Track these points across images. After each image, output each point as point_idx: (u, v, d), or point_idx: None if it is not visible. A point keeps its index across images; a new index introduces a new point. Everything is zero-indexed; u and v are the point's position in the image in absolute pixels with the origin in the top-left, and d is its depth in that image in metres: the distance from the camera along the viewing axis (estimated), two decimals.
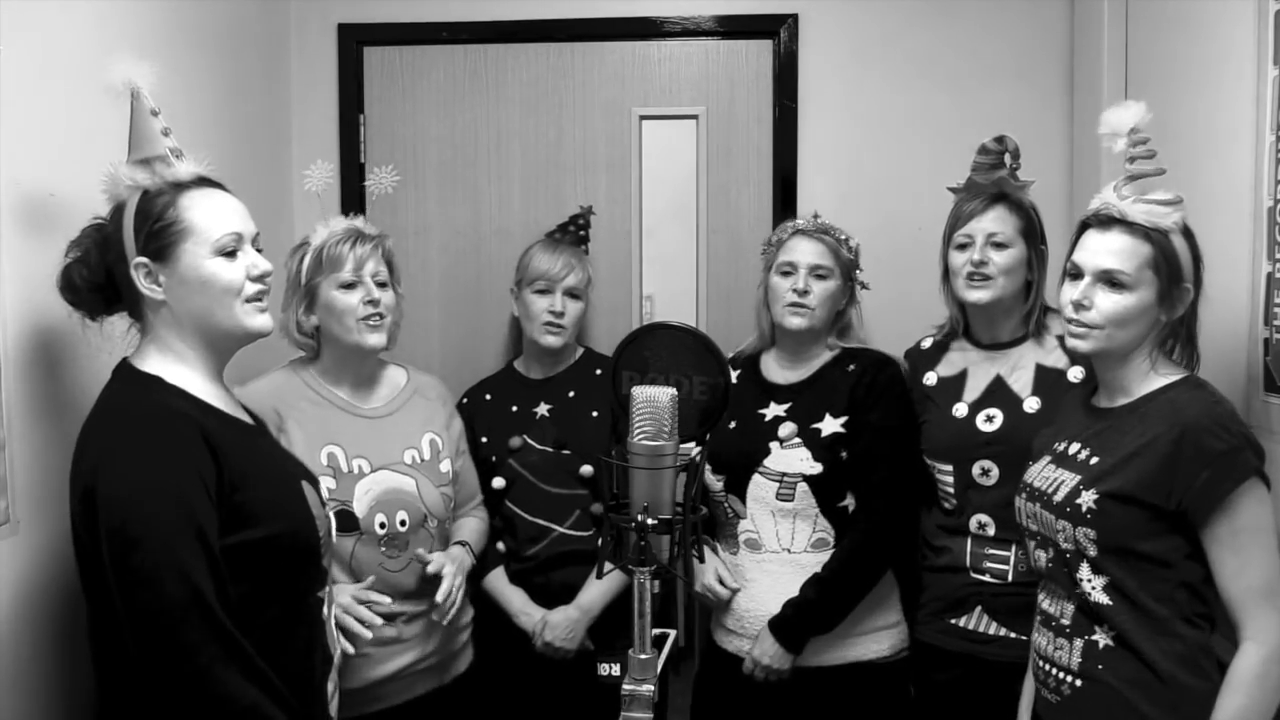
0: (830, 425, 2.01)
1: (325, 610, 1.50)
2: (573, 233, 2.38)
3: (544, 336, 2.22)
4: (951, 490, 1.96)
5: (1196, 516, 1.44)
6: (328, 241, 1.89)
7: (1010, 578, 1.88)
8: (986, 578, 1.91)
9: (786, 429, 2.03)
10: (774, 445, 2.03)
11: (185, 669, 1.26)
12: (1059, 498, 1.54)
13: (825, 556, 2.00)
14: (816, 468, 1.98)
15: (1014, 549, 1.88)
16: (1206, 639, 1.48)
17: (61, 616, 1.57)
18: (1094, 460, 1.54)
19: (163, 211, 1.41)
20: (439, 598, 1.83)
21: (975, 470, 1.92)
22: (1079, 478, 1.53)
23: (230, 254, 1.43)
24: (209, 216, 1.42)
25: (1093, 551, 1.49)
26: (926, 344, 2.12)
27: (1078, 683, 1.53)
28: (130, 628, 1.27)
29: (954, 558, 1.96)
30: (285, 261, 1.94)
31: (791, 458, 2.01)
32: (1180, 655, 1.46)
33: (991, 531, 1.91)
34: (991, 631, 1.90)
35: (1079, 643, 1.53)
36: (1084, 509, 1.49)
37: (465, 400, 2.30)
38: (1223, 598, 1.45)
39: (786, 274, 2.07)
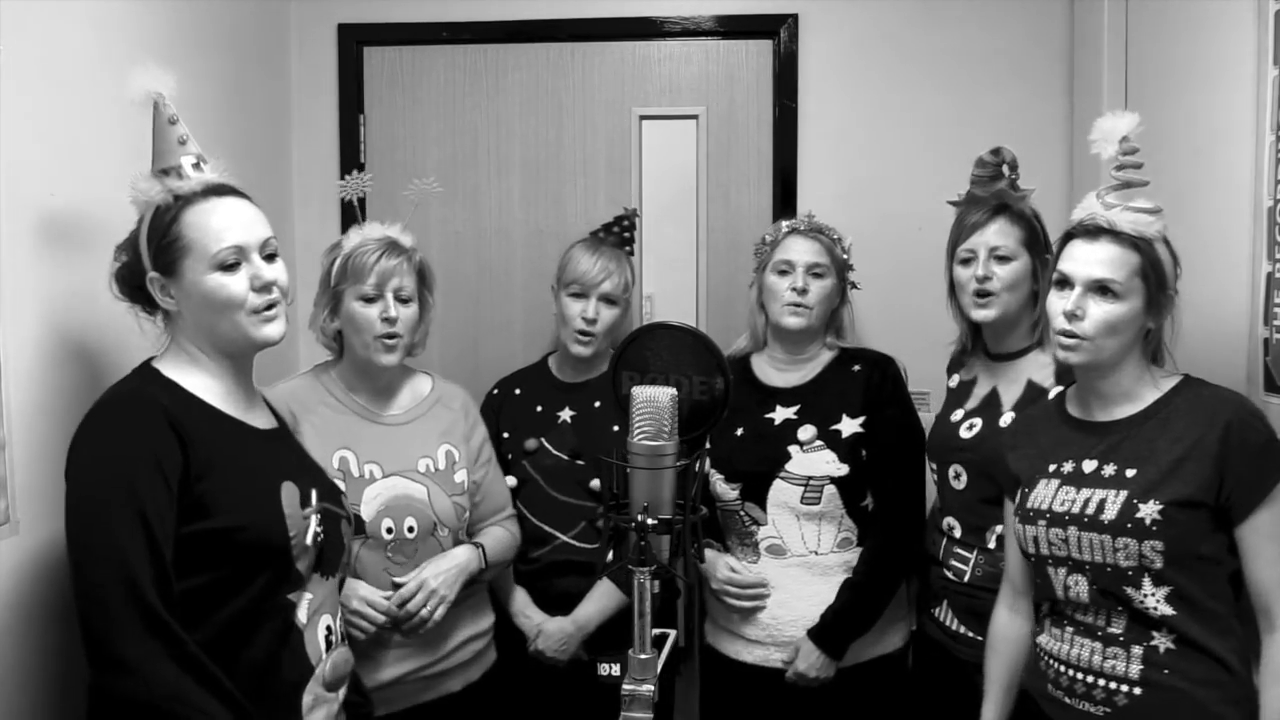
0: (850, 426, 2.02)
1: (303, 616, 1.46)
2: (616, 234, 2.32)
3: (574, 345, 2.18)
4: (938, 489, 2.03)
5: (1239, 508, 1.45)
6: (356, 250, 1.86)
7: (967, 578, 1.91)
8: (950, 575, 1.95)
9: (807, 432, 2.03)
10: (794, 449, 2.02)
11: (105, 645, 1.27)
12: (1110, 515, 1.49)
13: (850, 556, 2.02)
14: (843, 469, 2.00)
15: (975, 552, 1.91)
16: (1245, 633, 1.50)
17: (62, 616, 1.57)
18: (1131, 472, 1.51)
19: (167, 228, 1.42)
20: (400, 597, 1.82)
21: (950, 473, 1.96)
22: (1124, 492, 1.49)
23: (231, 267, 1.42)
24: (208, 232, 1.42)
25: (1159, 564, 1.46)
26: (957, 348, 2.14)
27: (1137, 691, 1.48)
28: (76, 603, 1.29)
29: (935, 550, 2.01)
30: (321, 259, 1.95)
31: (816, 460, 2.01)
32: (1240, 650, 1.48)
33: (958, 534, 1.95)
34: (954, 627, 1.94)
35: (1138, 650, 1.49)
36: (1148, 521, 1.46)
37: (496, 390, 2.29)
38: (1255, 587, 1.46)
39: (784, 273, 2.07)
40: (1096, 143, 1.58)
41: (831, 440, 2.01)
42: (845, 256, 2.13)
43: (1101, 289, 1.51)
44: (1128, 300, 1.51)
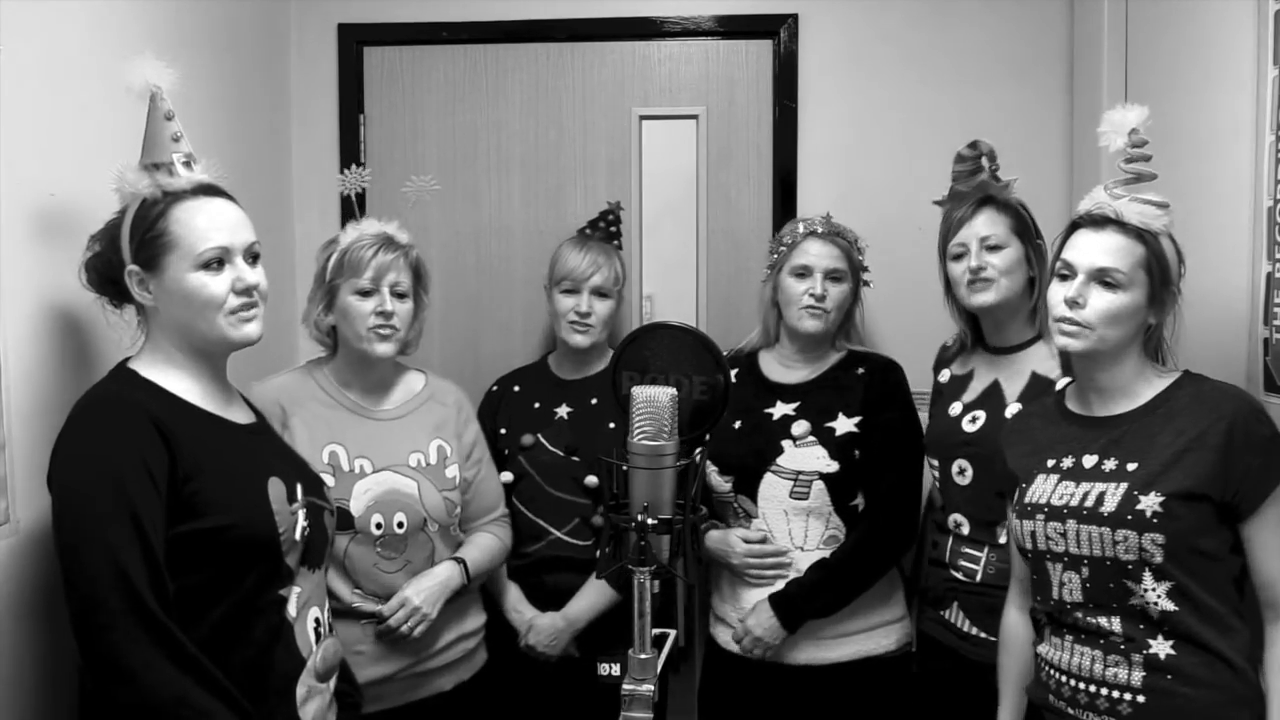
0: (844, 425, 2.02)
1: (293, 610, 1.47)
2: (603, 229, 2.36)
3: (571, 336, 2.21)
4: (939, 487, 2.01)
5: (1246, 503, 1.45)
6: (353, 245, 1.88)
7: (979, 578, 1.90)
8: (960, 576, 1.93)
9: (800, 427, 2.03)
10: (787, 444, 2.03)
11: (105, 652, 1.26)
12: (1109, 508, 1.48)
13: None
14: (833, 466, 2.00)
15: (986, 550, 1.89)
16: (1250, 631, 1.49)
17: (61, 617, 1.56)
18: (1132, 465, 1.50)
19: (154, 222, 1.42)
20: (391, 619, 1.82)
21: (954, 469, 1.95)
22: (1124, 485, 1.49)
23: (215, 266, 1.43)
24: (195, 230, 1.42)
25: (1158, 557, 1.45)
26: (951, 342, 2.13)
27: (1140, 699, 1.47)
28: (70, 609, 1.29)
29: (940, 553, 1.99)
30: (316, 255, 1.97)
31: (807, 456, 2.01)
32: (1244, 649, 1.47)
33: (966, 530, 1.93)
34: (966, 628, 1.92)
35: (1138, 657, 1.47)
36: (1148, 513, 1.45)
37: (495, 388, 2.32)
38: (1262, 580, 1.46)
39: (801, 276, 2.07)
40: (1105, 134, 1.57)
41: (824, 437, 2.02)
42: (860, 259, 2.13)
43: (1104, 278, 1.51)
44: (1130, 291, 1.50)
